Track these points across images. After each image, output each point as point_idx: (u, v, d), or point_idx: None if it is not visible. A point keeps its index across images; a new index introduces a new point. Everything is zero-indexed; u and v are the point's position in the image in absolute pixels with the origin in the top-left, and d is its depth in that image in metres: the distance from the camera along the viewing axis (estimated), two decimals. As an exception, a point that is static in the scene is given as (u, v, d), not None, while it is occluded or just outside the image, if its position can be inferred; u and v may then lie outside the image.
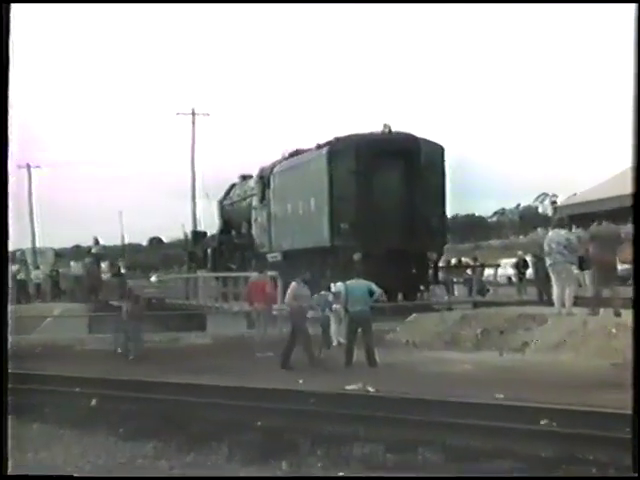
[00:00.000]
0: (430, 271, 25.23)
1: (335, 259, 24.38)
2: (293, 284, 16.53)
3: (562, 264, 16.80)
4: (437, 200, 25.04)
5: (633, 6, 7.05)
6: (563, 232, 17.24)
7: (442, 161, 25.39)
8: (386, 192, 24.44)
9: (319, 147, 25.96)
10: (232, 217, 34.81)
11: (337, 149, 24.94)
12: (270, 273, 22.70)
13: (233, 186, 35.75)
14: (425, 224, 24.33)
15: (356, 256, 23.24)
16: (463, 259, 38.63)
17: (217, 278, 30.97)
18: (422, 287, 25.09)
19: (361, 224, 23.94)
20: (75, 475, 8.48)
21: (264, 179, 29.90)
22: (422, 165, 24.60)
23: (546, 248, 17.09)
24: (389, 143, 24.62)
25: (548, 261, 17.17)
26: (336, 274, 22.35)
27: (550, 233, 17.53)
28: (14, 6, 6.51)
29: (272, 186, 29.24)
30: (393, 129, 25.06)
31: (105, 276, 35.64)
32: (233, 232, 34.38)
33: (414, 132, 25.58)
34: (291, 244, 27.77)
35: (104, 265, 37.20)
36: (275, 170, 29.28)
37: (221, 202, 36.86)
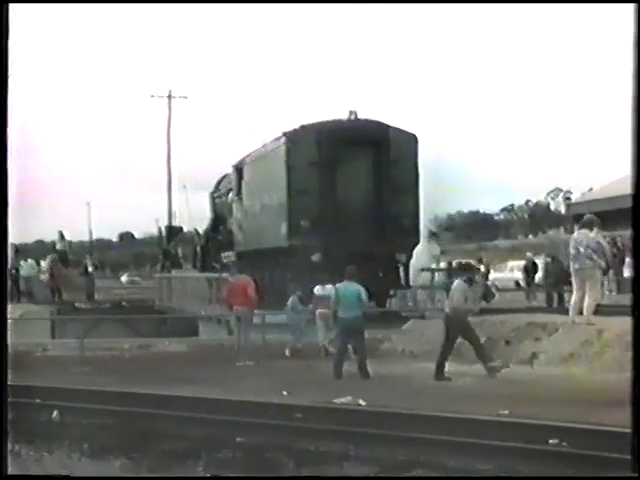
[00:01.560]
0: (401, 275, 24.75)
1: (293, 260, 24.07)
2: (461, 283, 16.11)
3: (591, 270, 16.43)
4: (408, 196, 24.51)
5: (632, 6, 7.17)
6: (592, 234, 16.65)
7: (415, 152, 24.81)
8: (351, 186, 23.93)
9: (284, 135, 25.55)
10: (221, 211, 34.60)
11: (296, 138, 24.42)
12: (224, 275, 22.52)
13: (224, 177, 35.42)
14: (394, 222, 23.86)
15: (315, 257, 22.97)
16: (464, 261, 38.67)
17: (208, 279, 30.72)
18: (392, 292, 24.77)
19: (322, 222, 23.44)
20: (74, 475, 8.76)
21: (240, 170, 29.61)
22: (392, 156, 24.10)
23: (572, 251, 16.58)
24: (354, 131, 24.13)
25: (575, 266, 16.64)
26: (295, 277, 22.17)
27: (576, 234, 17.00)
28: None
29: (245, 178, 28.99)
30: (370, 117, 24.66)
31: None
32: (221, 228, 34.20)
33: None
34: (248, 244, 27.70)
35: (43, 262, 36.88)
36: (247, 160, 28.98)
37: (212, 194, 36.60)
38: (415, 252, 25.12)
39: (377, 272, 22.84)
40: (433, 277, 28.07)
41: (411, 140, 24.88)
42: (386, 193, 24.05)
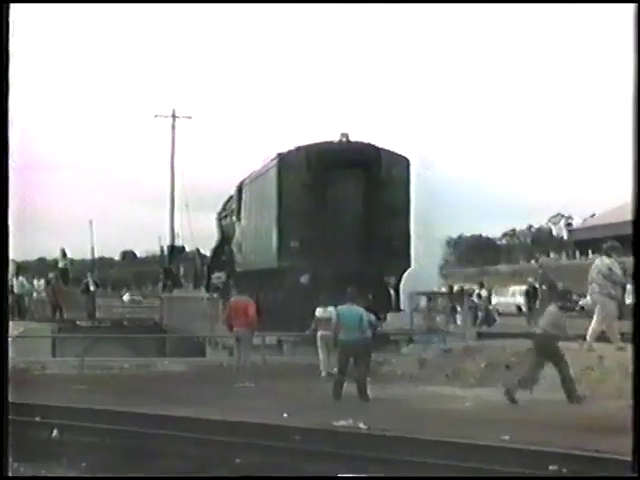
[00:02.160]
0: (391, 297, 24.63)
1: (283, 282, 24.05)
2: (555, 308, 16.01)
3: (599, 295, 16.70)
4: (399, 218, 24.44)
5: (633, 6, 7.18)
6: (608, 260, 16.90)
7: (407, 175, 24.80)
8: (341, 208, 23.89)
9: (277, 157, 25.58)
10: (227, 232, 34.67)
11: (287, 160, 24.46)
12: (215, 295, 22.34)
13: (230, 198, 35.54)
14: (384, 245, 23.78)
15: (303, 279, 22.98)
16: (466, 286, 38.64)
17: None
18: (381, 315, 24.68)
19: (312, 243, 23.38)
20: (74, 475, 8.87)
21: (240, 191, 29.68)
22: (383, 178, 24.10)
23: (589, 277, 16.96)
24: (345, 153, 24.13)
25: (587, 292, 17.26)
26: (285, 299, 22.07)
27: (597, 260, 17.32)
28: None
29: (243, 199, 29.05)
30: (362, 139, 24.67)
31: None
32: (226, 248, 34.29)
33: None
34: (245, 264, 27.72)
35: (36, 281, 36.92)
36: (246, 181, 29.05)
37: (219, 215, 36.76)
38: (406, 275, 25.07)
39: (366, 294, 22.74)
40: (430, 300, 27.95)
41: (402, 162, 24.89)
42: (376, 215, 24.02)
